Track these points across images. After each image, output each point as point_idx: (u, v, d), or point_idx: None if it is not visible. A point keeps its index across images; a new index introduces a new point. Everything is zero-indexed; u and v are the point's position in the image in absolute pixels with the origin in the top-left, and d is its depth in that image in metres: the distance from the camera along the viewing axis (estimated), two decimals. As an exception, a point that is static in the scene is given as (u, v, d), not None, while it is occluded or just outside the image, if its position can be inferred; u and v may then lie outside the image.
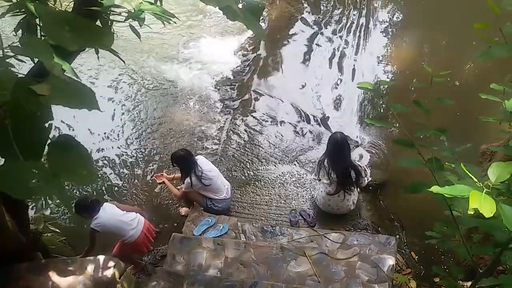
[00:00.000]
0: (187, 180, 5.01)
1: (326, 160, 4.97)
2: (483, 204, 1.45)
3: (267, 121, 6.81)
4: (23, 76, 1.72)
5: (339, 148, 4.88)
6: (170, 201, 5.67)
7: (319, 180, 5.19)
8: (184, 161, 5.00)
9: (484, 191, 1.53)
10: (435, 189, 1.62)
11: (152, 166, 6.19)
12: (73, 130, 6.57)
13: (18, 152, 1.56)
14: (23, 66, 2.53)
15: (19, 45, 1.64)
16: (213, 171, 5.16)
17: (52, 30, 1.71)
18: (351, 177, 4.95)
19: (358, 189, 5.20)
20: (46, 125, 1.75)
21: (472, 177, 1.67)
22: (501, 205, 1.50)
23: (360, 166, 5.05)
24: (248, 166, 6.10)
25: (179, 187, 5.33)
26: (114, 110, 7.03)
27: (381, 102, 7.02)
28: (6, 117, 1.56)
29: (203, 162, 5.14)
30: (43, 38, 2.17)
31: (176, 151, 5.19)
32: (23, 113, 1.61)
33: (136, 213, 4.56)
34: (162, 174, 5.38)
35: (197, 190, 5.13)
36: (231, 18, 2.01)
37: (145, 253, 4.83)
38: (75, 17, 1.86)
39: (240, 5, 2.10)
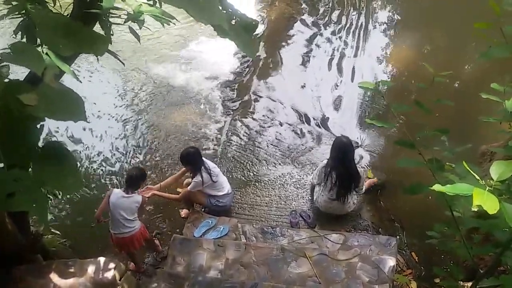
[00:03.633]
0: (197, 178, 5.00)
1: (330, 164, 4.98)
2: (486, 201, 1.45)
3: (267, 122, 6.81)
4: (13, 80, 1.69)
5: (343, 152, 4.90)
6: (171, 203, 5.65)
7: (318, 184, 5.19)
8: (195, 158, 5.03)
9: (487, 188, 1.53)
10: (437, 187, 1.61)
11: (151, 168, 6.18)
12: (71, 132, 6.57)
13: (3, 158, 1.53)
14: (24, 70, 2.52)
15: (10, 52, 1.63)
16: (215, 167, 5.22)
17: (47, 35, 1.70)
18: (353, 181, 4.96)
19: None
20: (38, 126, 1.73)
21: (475, 175, 1.67)
22: (503, 204, 1.50)
23: (363, 172, 5.08)
24: (248, 167, 6.09)
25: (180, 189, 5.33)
26: (112, 112, 7.02)
27: (382, 102, 7.01)
28: None
29: (205, 159, 5.18)
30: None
31: (186, 148, 5.23)
32: (13, 117, 1.59)
33: (140, 225, 4.54)
34: (148, 187, 5.28)
35: (203, 189, 5.13)
36: (222, 35, 1.99)
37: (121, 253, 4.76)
38: (70, 22, 1.85)
39: (233, 22, 2.07)
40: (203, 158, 5.13)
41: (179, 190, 5.54)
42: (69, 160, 1.79)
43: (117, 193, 4.33)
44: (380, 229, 5.21)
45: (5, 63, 1.82)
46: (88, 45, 1.83)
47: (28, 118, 1.65)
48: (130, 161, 6.28)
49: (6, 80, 1.63)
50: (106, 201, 4.36)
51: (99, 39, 1.89)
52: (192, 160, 5.03)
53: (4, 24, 7.65)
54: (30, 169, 1.69)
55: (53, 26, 1.70)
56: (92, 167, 6.17)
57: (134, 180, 4.37)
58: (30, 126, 1.70)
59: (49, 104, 1.57)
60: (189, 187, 5.09)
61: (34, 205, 1.61)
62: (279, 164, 6.12)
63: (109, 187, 5.86)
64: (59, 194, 5.61)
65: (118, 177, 6.02)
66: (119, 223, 4.34)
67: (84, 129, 6.64)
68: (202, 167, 5.02)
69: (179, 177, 5.47)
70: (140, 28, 2.87)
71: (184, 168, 5.36)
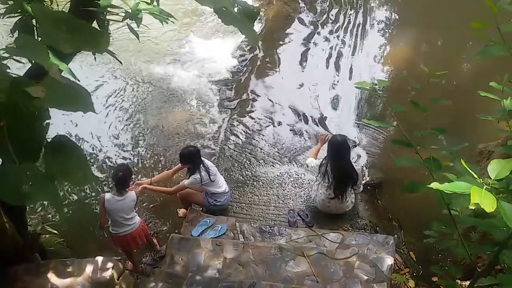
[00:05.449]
0: (196, 176, 5.00)
1: (327, 163, 4.98)
2: (484, 200, 1.45)
3: (265, 121, 6.81)
4: (19, 76, 1.70)
5: (339, 151, 4.91)
6: (168, 202, 5.65)
7: (316, 182, 5.20)
8: (195, 157, 5.04)
9: (485, 187, 1.52)
10: (434, 185, 1.61)
11: (150, 166, 6.18)
12: (69, 132, 6.55)
13: (13, 154, 1.54)
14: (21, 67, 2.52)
15: (15, 46, 1.63)
16: (213, 166, 5.24)
17: (48, 31, 1.70)
18: (351, 180, 4.97)
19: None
20: (44, 124, 1.73)
21: (472, 173, 1.67)
22: (501, 202, 1.50)
23: (361, 170, 5.09)
24: (246, 166, 6.09)
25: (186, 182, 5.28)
26: (110, 110, 7.01)
27: (378, 102, 7.03)
28: (1, 118, 1.55)
29: (203, 158, 5.19)
30: (39, 39, 2.16)
31: (186, 147, 5.28)
32: (19, 113, 1.60)
33: (139, 220, 4.58)
34: (137, 182, 5.25)
35: (200, 187, 5.13)
36: (226, 22, 2.02)
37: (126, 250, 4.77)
38: (71, 18, 1.85)
39: (235, 9, 2.10)
40: (201, 157, 5.14)
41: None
42: (77, 154, 1.79)
43: (110, 199, 4.32)
44: (378, 228, 5.21)
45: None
46: (89, 42, 1.83)
47: (35, 113, 1.66)
48: (128, 160, 6.27)
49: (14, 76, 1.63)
50: (102, 208, 4.36)
51: (101, 36, 1.89)
52: (192, 158, 5.03)
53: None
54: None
55: (54, 22, 1.70)
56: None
57: (122, 180, 4.35)
58: (36, 123, 1.70)
59: (56, 96, 1.58)
60: (186, 182, 5.08)
61: (48, 197, 1.63)
62: (277, 163, 6.12)
63: (106, 186, 5.87)
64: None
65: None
66: (119, 224, 4.37)
67: (82, 128, 6.64)
68: (201, 166, 5.02)
69: (172, 174, 5.49)
70: (138, 26, 2.87)
71: (178, 166, 5.36)
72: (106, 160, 6.30)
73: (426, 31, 8.45)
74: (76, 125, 6.65)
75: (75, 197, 5.77)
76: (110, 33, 2.93)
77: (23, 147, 1.63)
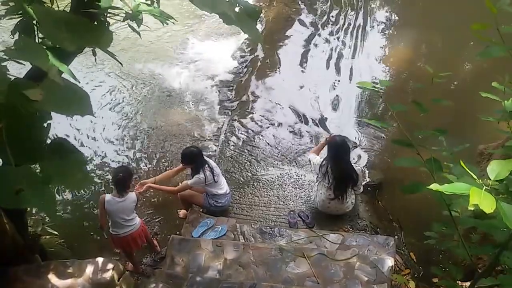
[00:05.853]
0: (200, 175, 5.01)
1: (327, 164, 4.99)
2: (483, 201, 1.45)
3: (265, 122, 6.81)
4: (17, 78, 1.70)
5: (338, 152, 4.92)
6: (169, 203, 5.65)
7: (316, 183, 5.20)
8: (198, 157, 5.06)
9: (484, 188, 1.53)
10: (434, 186, 1.61)
11: (150, 168, 6.17)
12: (69, 133, 6.55)
13: (11, 155, 1.52)
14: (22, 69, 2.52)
15: (15, 49, 1.62)
16: (217, 167, 5.25)
17: (50, 30, 1.70)
18: (351, 181, 4.97)
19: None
20: (45, 125, 1.73)
21: (472, 174, 1.67)
22: (501, 203, 1.50)
23: (361, 171, 5.10)
24: (247, 168, 6.09)
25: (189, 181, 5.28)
26: (111, 113, 7.01)
27: (379, 102, 7.03)
28: (1, 119, 1.54)
29: (208, 159, 5.22)
30: (40, 40, 2.16)
31: (188, 148, 5.28)
32: (18, 114, 1.59)
33: (139, 221, 4.59)
34: (141, 182, 5.27)
35: (203, 187, 5.14)
36: (228, 22, 2.03)
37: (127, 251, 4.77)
38: (73, 17, 1.85)
39: (237, 9, 2.11)
40: (205, 157, 5.17)
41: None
42: (76, 156, 1.79)
43: (110, 200, 4.31)
44: (378, 229, 5.21)
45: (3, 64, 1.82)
46: (92, 39, 1.82)
47: (34, 115, 1.65)
48: (128, 161, 6.27)
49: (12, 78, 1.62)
50: (103, 209, 4.36)
51: (103, 34, 1.89)
52: (194, 159, 5.04)
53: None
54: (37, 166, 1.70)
55: (55, 21, 1.69)
56: (89, 168, 6.15)
57: (123, 181, 4.34)
58: (37, 123, 1.69)
59: (55, 98, 1.57)
60: (189, 182, 5.08)
61: (42, 201, 1.62)
62: (278, 164, 6.12)
63: (105, 188, 5.86)
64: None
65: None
66: (119, 225, 4.37)
67: (80, 129, 6.64)
68: (206, 166, 5.03)
69: (174, 173, 5.51)
70: (139, 27, 2.87)
71: (179, 167, 5.37)
72: (105, 161, 6.29)
73: (426, 32, 8.45)
74: (73, 127, 6.65)
75: (75, 198, 5.77)
76: (112, 32, 2.93)
77: (22, 147, 1.63)
